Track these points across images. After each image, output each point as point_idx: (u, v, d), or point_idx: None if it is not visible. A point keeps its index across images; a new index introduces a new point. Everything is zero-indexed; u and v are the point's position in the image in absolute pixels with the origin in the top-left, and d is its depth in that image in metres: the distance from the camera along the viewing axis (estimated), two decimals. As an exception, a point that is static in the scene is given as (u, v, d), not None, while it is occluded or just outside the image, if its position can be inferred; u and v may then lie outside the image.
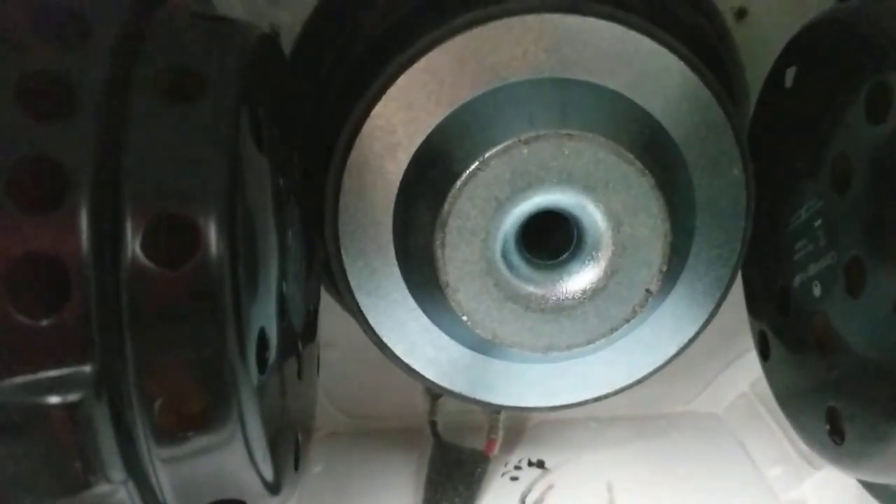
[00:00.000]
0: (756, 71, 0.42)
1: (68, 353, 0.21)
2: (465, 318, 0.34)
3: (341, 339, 0.47)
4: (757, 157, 0.36)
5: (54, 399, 0.21)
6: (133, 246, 0.23)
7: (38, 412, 0.21)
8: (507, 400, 0.40)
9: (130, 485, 0.23)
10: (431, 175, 0.34)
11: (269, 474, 0.28)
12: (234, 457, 0.26)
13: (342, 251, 0.36)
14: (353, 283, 0.37)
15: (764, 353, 0.39)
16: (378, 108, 0.34)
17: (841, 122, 0.32)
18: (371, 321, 0.37)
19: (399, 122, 0.34)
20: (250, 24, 0.32)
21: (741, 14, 0.44)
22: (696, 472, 0.48)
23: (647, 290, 0.35)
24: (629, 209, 0.33)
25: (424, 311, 0.37)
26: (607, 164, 0.33)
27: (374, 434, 0.52)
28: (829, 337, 0.33)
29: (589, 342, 0.35)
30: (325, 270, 0.38)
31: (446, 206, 0.33)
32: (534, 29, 0.34)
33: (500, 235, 0.34)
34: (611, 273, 0.34)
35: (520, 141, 0.32)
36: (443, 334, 0.37)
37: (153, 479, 0.24)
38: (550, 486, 0.47)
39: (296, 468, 0.32)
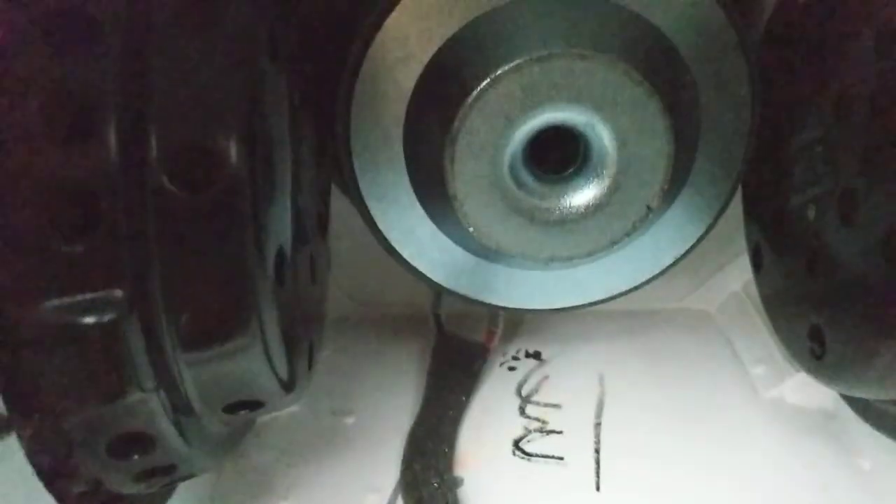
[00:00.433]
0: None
1: (101, 277, 0.23)
2: (471, 228, 0.36)
3: (351, 230, 0.48)
4: (765, 72, 0.36)
5: (90, 319, 0.23)
6: (159, 172, 0.24)
7: (77, 331, 0.23)
8: (507, 302, 0.42)
9: (161, 392, 0.26)
10: (443, 89, 0.35)
11: (284, 375, 0.30)
12: (254, 362, 0.28)
13: (353, 159, 0.37)
14: (363, 189, 0.38)
15: (757, 265, 0.41)
16: (391, 18, 0.34)
17: (846, 53, 0.32)
18: (380, 225, 0.39)
19: (412, 32, 0.34)
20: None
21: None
22: (685, 367, 0.50)
23: (648, 207, 0.36)
24: (635, 129, 0.34)
25: (431, 218, 0.38)
26: (616, 85, 0.33)
27: (381, 320, 0.54)
28: (819, 258, 0.34)
29: (590, 254, 0.37)
30: (336, 169, 0.39)
31: (457, 122, 0.33)
32: (550, -59, 0.33)
33: (509, 151, 0.35)
34: (614, 189, 0.35)
35: (531, 59, 0.33)
36: (448, 240, 0.39)
37: (180, 385, 0.27)
38: (545, 377, 0.49)
39: (309, 367, 0.34)
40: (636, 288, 0.42)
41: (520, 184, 0.36)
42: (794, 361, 0.37)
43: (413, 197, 0.38)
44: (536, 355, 0.51)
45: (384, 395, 0.48)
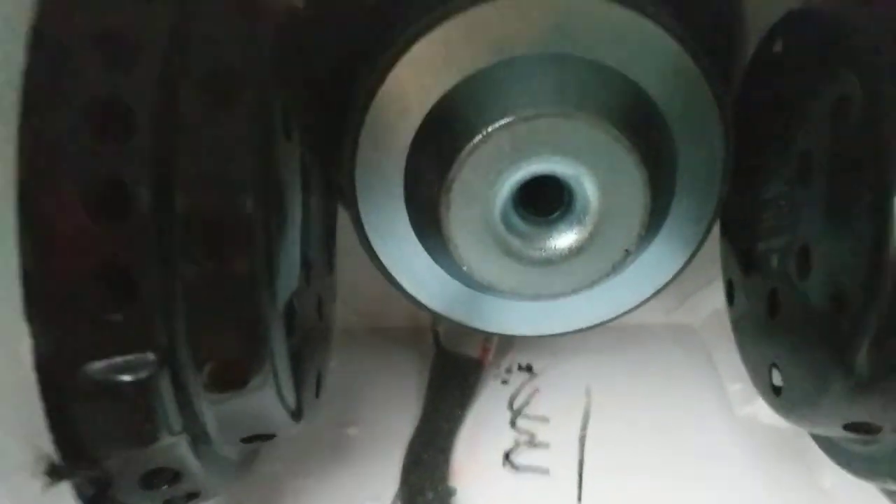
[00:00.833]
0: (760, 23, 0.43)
1: (137, 342, 0.26)
2: (465, 268, 0.39)
3: (356, 248, 0.51)
4: (741, 122, 0.39)
5: (127, 377, 0.26)
6: (185, 247, 0.27)
7: (116, 388, 0.26)
8: (498, 329, 0.45)
9: (187, 433, 0.29)
10: (439, 141, 0.38)
11: (293, 408, 0.34)
12: (268, 401, 0.32)
13: (358, 199, 0.40)
14: (366, 227, 0.41)
15: (729, 299, 0.44)
16: (392, 75, 0.38)
17: (808, 117, 0.35)
18: (381, 259, 0.42)
19: (411, 88, 0.38)
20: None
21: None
22: (667, 382, 0.54)
23: (626, 251, 0.39)
24: (615, 181, 0.37)
25: (429, 253, 0.42)
26: (598, 142, 0.36)
27: (383, 332, 0.58)
28: (779, 303, 0.37)
29: (573, 292, 0.40)
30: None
31: (451, 173, 0.37)
32: (539, 5, 0.36)
33: (499, 198, 0.38)
34: (595, 234, 0.39)
35: (520, 118, 0.36)
36: (445, 274, 0.42)
37: (204, 424, 0.30)
38: (536, 390, 0.53)
39: (317, 396, 0.38)
40: (617, 317, 0.45)
41: (509, 227, 0.39)
42: (758, 391, 0.40)
43: (412, 234, 0.41)
44: (528, 368, 0.55)
45: (385, 407, 0.52)
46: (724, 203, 0.41)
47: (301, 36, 0.37)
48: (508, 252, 0.39)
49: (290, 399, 0.33)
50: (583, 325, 0.45)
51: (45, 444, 0.26)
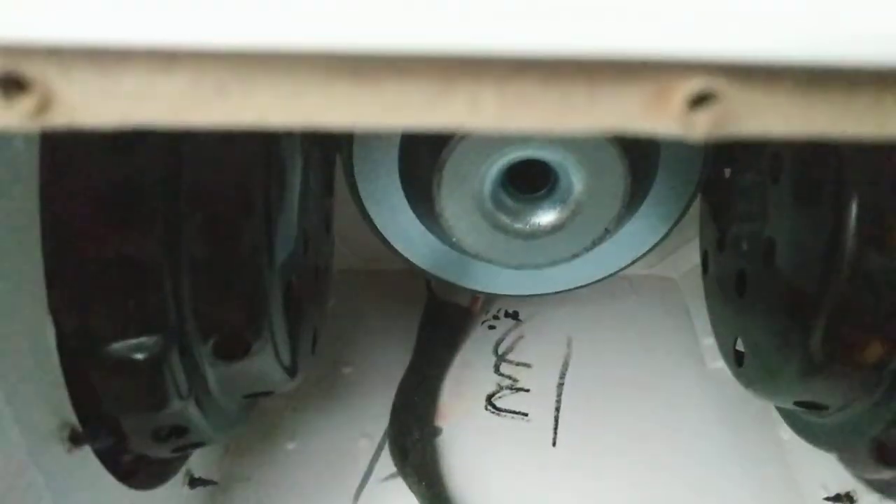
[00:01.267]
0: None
1: (149, 326, 0.29)
2: (454, 239, 0.42)
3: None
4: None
5: (140, 356, 0.30)
6: (196, 241, 0.30)
7: (131, 364, 0.30)
8: (484, 289, 0.48)
9: (193, 395, 0.33)
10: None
11: (290, 365, 0.37)
12: (267, 365, 0.35)
13: (355, 172, 0.43)
14: (363, 196, 0.44)
15: (704, 268, 0.47)
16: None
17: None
18: (377, 224, 0.45)
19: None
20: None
21: None
22: (645, 332, 0.57)
23: (606, 229, 0.42)
24: (597, 168, 0.39)
25: (422, 222, 0.44)
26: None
27: (381, 274, 0.61)
28: (745, 284, 0.40)
29: (554, 264, 0.43)
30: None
31: (444, 155, 0.39)
32: None
33: (488, 178, 0.40)
34: (577, 212, 0.41)
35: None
36: (436, 240, 0.45)
37: (209, 386, 0.34)
38: (521, 337, 0.57)
39: (312, 352, 0.41)
40: (596, 282, 0.48)
41: (497, 203, 0.41)
42: (724, 360, 0.44)
43: (406, 204, 0.44)
44: (515, 315, 0.58)
45: (379, 348, 0.55)
46: (709, 180, 0.43)
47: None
48: (496, 226, 0.42)
49: (287, 361, 0.36)
50: (563, 287, 0.48)
51: (69, 414, 0.29)
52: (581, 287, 0.49)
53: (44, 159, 0.26)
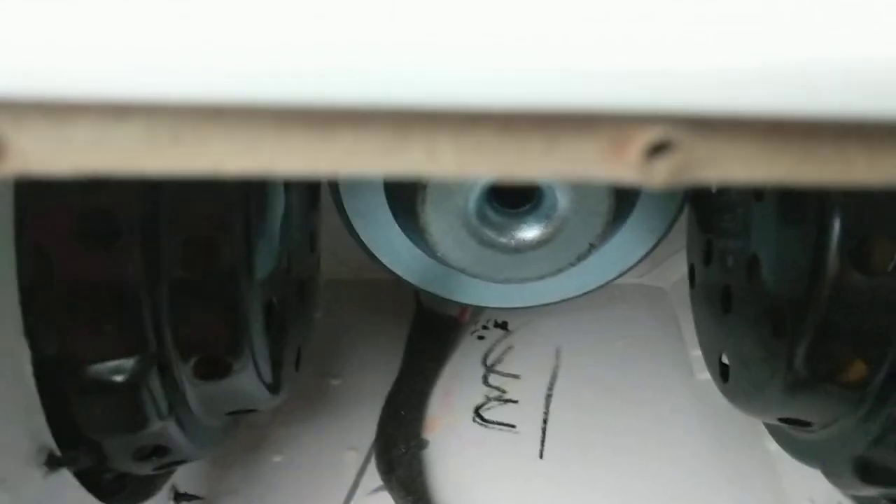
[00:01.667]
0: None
1: (127, 348, 0.29)
2: (440, 254, 0.42)
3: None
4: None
5: (119, 378, 0.30)
6: (175, 265, 0.30)
7: (110, 386, 0.29)
8: (472, 301, 0.48)
9: (174, 414, 0.33)
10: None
11: (272, 382, 0.37)
12: (248, 384, 0.35)
13: (341, 189, 0.43)
14: (349, 212, 0.44)
15: (691, 281, 0.47)
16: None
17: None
18: (364, 240, 0.45)
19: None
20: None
21: None
22: (634, 343, 0.57)
23: (590, 244, 0.41)
24: (582, 185, 0.39)
25: (408, 237, 0.44)
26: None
27: (369, 284, 0.61)
28: (730, 302, 0.40)
29: (540, 278, 0.43)
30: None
31: (428, 171, 0.39)
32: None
33: (474, 194, 0.40)
34: (561, 228, 0.41)
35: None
36: (422, 254, 0.45)
37: (190, 405, 0.34)
38: (510, 347, 0.56)
39: (297, 368, 0.41)
40: (583, 295, 0.48)
41: (482, 218, 0.41)
42: (710, 375, 0.44)
43: (392, 220, 0.44)
44: (504, 325, 0.58)
45: (367, 359, 0.55)
46: (695, 195, 0.43)
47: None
48: (481, 241, 0.42)
49: (269, 379, 0.36)
50: (550, 300, 0.48)
51: (46, 438, 0.29)
52: (568, 300, 0.49)
53: (19, 184, 0.26)
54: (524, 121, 0.14)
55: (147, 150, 0.14)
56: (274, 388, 0.38)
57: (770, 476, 0.49)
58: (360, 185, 0.42)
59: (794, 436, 0.42)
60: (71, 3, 0.13)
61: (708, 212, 0.43)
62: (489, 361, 0.56)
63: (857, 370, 0.34)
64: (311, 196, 0.43)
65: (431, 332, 0.56)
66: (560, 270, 0.42)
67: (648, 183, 0.14)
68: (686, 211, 0.46)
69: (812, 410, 0.37)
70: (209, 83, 0.13)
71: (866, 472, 0.35)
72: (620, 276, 0.47)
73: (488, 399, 0.53)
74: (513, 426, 0.51)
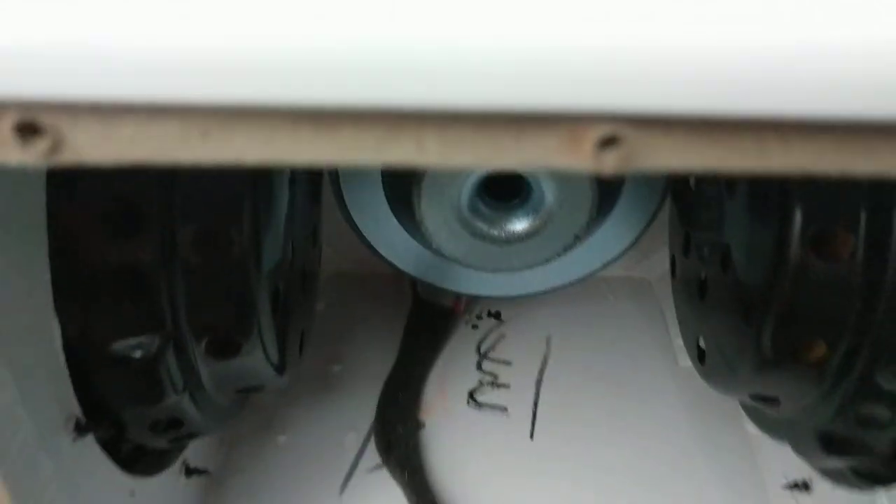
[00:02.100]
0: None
1: (146, 327, 0.32)
2: (435, 245, 0.44)
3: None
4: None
5: (138, 354, 0.32)
6: (189, 252, 0.33)
7: (130, 361, 0.32)
8: (466, 290, 0.51)
9: (188, 390, 0.35)
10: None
11: (278, 363, 0.40)
12: (256, 363, 0.38)
13: (342, 184, 0.45)
14: (350, 207, 0.46)
15: (673, 272, 0.50)
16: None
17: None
18: (364, 233, 0.48)
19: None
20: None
21: None
22: (621, 332, 0.60)
23: (576, 236, 0.44)
24: (566, 177, 0.42)
25: (405, 229, 0.47)
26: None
27: (368, 278, 0.63)
28: (706, 289, 0.43)
29: (528, 268, 0.46)
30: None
31: (424, 169, 0.42)
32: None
33: (466, 189, 0.43)
34: (548, 220, 0.44)
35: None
36: (419, 245, 0.48)
37: (203, 382, 0.36)
38: (502, 336, 0.59)
39: (301, 351, 0.44)
40: (570, 284, 0.51)
41: (474, 211, 0.44)
42: (690, 358, 0.47)
43: (390, 214, 0.47)
44: (497, 315, 0.61)
45: (367, 347, 0.58)
46: (675, 190, 0.46)
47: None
48: (473, 233, 0.44)
49: (276, 360, 0.39)
50: (539, 289, 0.51)
51: (74, 407, 0.32)
52: (557, 288, 0.51)
53: (51, 176, 0.29)
54: (497, 119, 0.17)
55: (180, 144, 0.17)
56: (280, 369, 0.41)
57: (748, 456, 0.52)
58: (359, 182, 0.45)
59: (765, 413, 0.44)
60: (120, 24, 0.16)
61: (687, 207, 0.46)
62: (483, 349, 0.58)
63: (818, 350, 0.36)
64: (314, 193, 0.46)
65: (428, 322, 0.58)
66: (548, 260, 0.45)
67: (600, 170, 0.17)
68: (669, 206, 0.49)
69: (779, 388, 0.40)
70: (233, 87, 0.16)
71: (829, 443, 0.38)
72: (605, 266, 0.50)
73: (481, 384, 0.56)
74: (504, 409, 0.54)
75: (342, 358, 0.57)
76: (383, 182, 0.45)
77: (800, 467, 0.46)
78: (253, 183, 0.34)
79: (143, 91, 0.16)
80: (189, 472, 0.45)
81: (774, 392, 0.40)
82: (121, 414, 0.35)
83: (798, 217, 0.35)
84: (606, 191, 0.43)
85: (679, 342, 0.57)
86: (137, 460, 0.39)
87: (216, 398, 0.39)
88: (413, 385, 0.55)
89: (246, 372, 0.38)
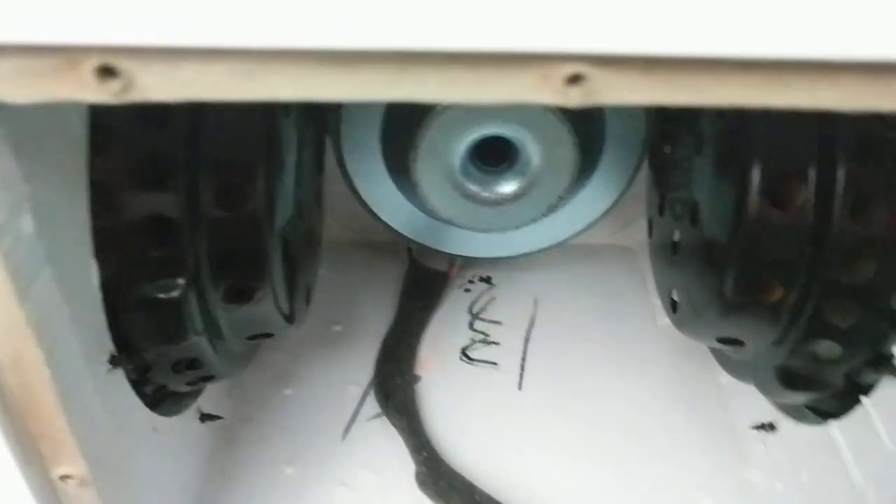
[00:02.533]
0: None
1: (171, 271, 0.36)
2: (430, 207, 0.48)
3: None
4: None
5: (164, 295, 0.36)
6: (209, 203, 0.36)
7: (157, 302, 0.36)
8: (459, 251, 0.55)
9: (207, 333, 0.39)
10: (411, 105, 0.46)
11: (287, 312, 0.44)
12: (268, 310, 0.42)
13: (343, 149, 0.49)
14: (350, 171, 0.50)
15: (649, 233, 0.54)
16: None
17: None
18: (363, 197, 0.51)
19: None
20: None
21: None
22: (603, 294, 0.64)
23: (560, 197, 0.48)
24: (551, 143, 0.46)
25: (402, 192, 0.51)
26: (538, 112, 0.45)
27: (367, 246, 0.67)
28: (678, 245, 0.47)
29: (516, 228, 0.50)
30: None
31: (420, 132, 0.46)
32: None
33: (459, 154, 0.47)
34: (534, 182, 0.48)
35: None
36: (414, 208, 0.52)
37: (220, 326, 0.40)
38: (493, 298, 0.63)
39: (307, 304, 0.48)
40: (556, 245, 0.55)
41: (466, 174, 0.48)
42: (664, 308, 0.51)
43: (388, 178, 0.50)
44: (488, 279, 0.65)
45: (366, 308, 0.62)
46: (651, 156, 0.50)
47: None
48: (465, 195, 0.48)
49: (285, 308, 0.43)
50: (528, 250, 0.55)
51: (108, 343, 0.36)
52: (544, 249, 0.55)
53: (91, 134, 0.33)
54: (483, 60, 0.21)
55: (230, 83, 0.21)
56: (289, 318, 0.45)
57: (721, 404, 0.56)
58: (360, 148, 0.49)
59: (732, 357, 0.48)
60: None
61: (662, 171, 0.50)
62: (475, 310, 0.62)
63: (776, 292, 0.40)
64: (318, 159, 0.49)
65: (423, 285, 0.62)
66: (534, 220, 0.49)
67: (567, 103, 0.21)
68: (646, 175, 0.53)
69: (742, 329, 0.43)
70: (271, 34, 0.20)
71: (788, 379, 0.42)
72: (587, 228, 0.54)
73: (473, 341, 0.60)
74: (494, 363, 0.58)
75: (342, 319, 0.61)
76: (382, 148, 0.49)
77: (766, 412, 0.50)
78: (267, 144, 0.38)
79: (200, 38, 0.20)
80: (203, 417, 0.49)
81: (738, 334, 0.44)
82: (147, 353, 0.38)
83: (756, 170, 0.39)
84: (588, 156, 0.47)
85: (658, 303, 0.61)
86: (159, 402, 0.42)
87: (231, 343, 0.43)
88: (410, 342, 0.59)
89: (258, 318, 0.42)
